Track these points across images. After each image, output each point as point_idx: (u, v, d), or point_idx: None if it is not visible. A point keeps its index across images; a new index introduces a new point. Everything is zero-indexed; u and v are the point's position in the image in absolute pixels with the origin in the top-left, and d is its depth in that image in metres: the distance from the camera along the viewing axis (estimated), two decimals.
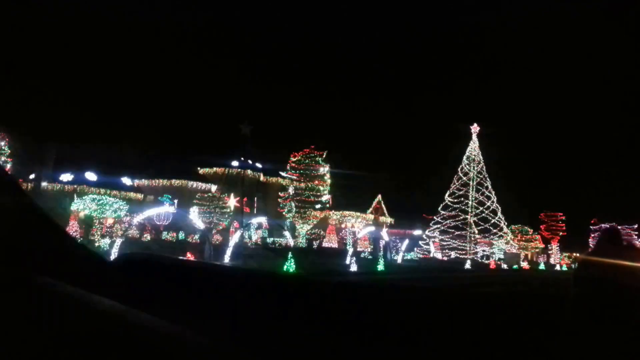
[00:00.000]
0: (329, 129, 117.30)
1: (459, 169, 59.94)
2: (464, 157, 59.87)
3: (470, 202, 57.93)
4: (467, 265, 45.79)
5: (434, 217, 59.93)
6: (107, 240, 32.71)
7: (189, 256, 25.49)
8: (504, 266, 50.47)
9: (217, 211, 43.56)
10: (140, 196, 49.04)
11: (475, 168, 58.93)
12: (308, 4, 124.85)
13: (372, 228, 50.54)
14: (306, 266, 28.46)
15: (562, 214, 74.88)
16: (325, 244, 51.88)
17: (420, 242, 56.17)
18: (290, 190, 50.91)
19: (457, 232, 57.22)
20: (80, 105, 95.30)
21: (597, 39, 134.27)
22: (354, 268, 30.64)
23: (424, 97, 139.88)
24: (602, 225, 65.65)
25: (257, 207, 54.09)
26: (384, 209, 68.80)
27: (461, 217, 57.70)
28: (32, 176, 44.91)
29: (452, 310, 4.63)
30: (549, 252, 72.62)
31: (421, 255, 52.77)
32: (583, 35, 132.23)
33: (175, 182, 51.07)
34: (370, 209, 66.55)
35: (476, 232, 57.53)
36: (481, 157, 59.47)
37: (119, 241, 22.82)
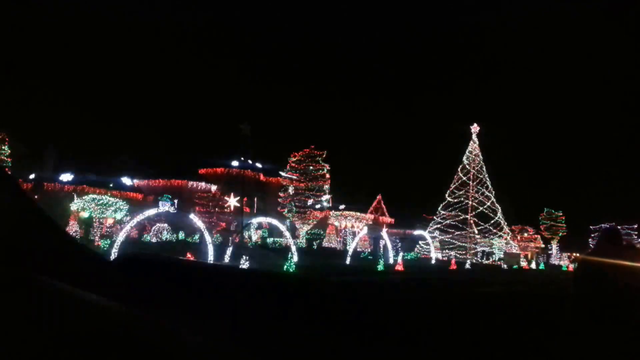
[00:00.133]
0: (329, 129, 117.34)
1: (458, 169, 59.93)
2: (464, 157, 59.87)
3: (470, 202, 57.94)
4: (467, 265, 45.78)
5: (434, 217, 59.93)
6: (107, 240, 32.71)
7: (189, 256, 25.47)
8: (504, 266, 50.46)
9: (217, 211, 43.60)
10: (140, 196, 49.10)
11: (475, 168, 58.93)
12: (308, 4, 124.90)
13: (372, 228, 50.55)
14: (306, 266, 28.46)
15: (562, 214, 74.91)
16: (325, 244, 51.88)
17: (420, 242, 56.15)
18: (290, 190, 50.91)
19: (457, 232, 57.22)
20: (81, 105, 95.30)
21: (597, 39, 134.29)
22: (349, 262, 30.62)
23: (424, 97, 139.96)
24: (602, 225, 65.67)
25: (257, 207, 54.12)
26: (384, 209, 68.81)
27: (461, 217, 57.71)
28: (32, 176, 44.93)
29: (452, 310, 4.63)
30: (549, 252, 72.61)
31: (421, 255, 52.77)
32: (583, 35, 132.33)
33: (175, 182, 51.09)
34: (370, 209, 66.56)
35: (476, 231, 57.53)
36: (481, 157, 59.50)
37: (119, 241, 22.81)
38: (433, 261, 41.27)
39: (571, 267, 57.52)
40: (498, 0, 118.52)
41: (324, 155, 50.75)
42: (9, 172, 26.63)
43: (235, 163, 52.74)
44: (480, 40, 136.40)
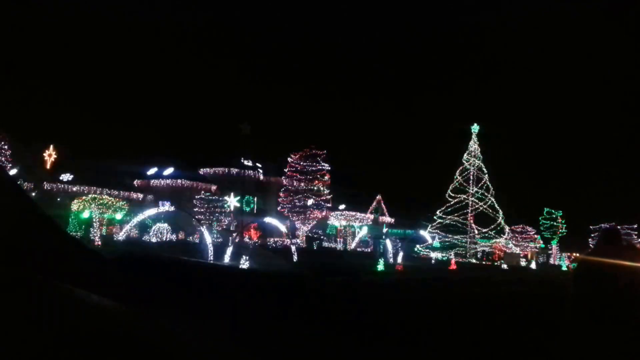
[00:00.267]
0: (329, 128, 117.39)
1: (458, 169, 59.95)
2: (464, 157, 59.89)
3: (469, 202, 57.96)
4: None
5: (434, 217, 59.95)
6: (106, 241, 32.71)
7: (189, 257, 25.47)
8: (504, 266, 50.47)
9: (217, 211, 43.60)
10: (140, 196, 49.12)
11: (475, 168, 58.96)
12: (308, 4, 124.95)
13: (372, 228, 50.53)
14: (306, 266, 28.46)
15: (562, 213, 74.90)
16: (325, 244, 51.89)
17: (419, 242, 56.14)
18: (290, 190, 50.95)
19: (456, 232, 57.22)
20: (81, 105, 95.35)
21: (597, 39, 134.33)
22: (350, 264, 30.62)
23: (424, 97, 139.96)
24: (602, 225, 65.68)
25: (257, 207, 54.14)
26: (384, 209, 68.83)
27: (461, 217, 57.73)
28: (32, 176, 44.96)
29: (452, 310, 4.63)
30: (549, 252, 72.61)
31: (421, 255, 52.76)
32: (583, 35, 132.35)
33: (175, 182, 51.11)
34: (370, 209, 66.58)
35: (476, 231, 57.53)
36: (481, 157, 59.52)
37: (119, 241, 22.80)
38: (433, 261, 41.31)
39: (571, 267, 57.57)
40: (498, 0, 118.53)
41: (324, 155, 50.77)
42: (9, 172, 26.64)
43: (235, 163, 52.74)
44: (480, 40, 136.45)
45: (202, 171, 55.00)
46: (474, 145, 59.73)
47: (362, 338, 3.76)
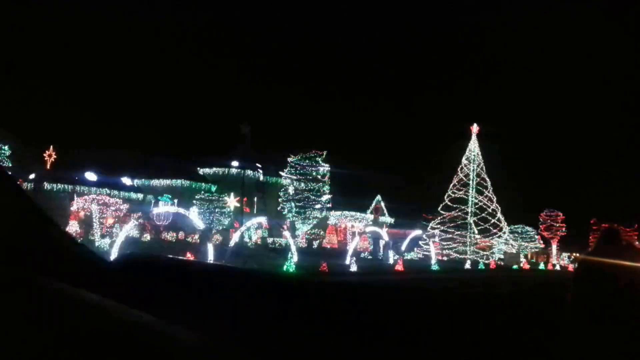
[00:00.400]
0: (329, 128, 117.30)
1: (458, 169, 59.93)
2: (464, 157, 59.87)
3: (469, 202, 57.94)
4: (467, 266, 45.78)
5: (434, 217, 59.94)
6: (107, 240, 32.71)
7: (189, 256, 25.49)
8: (504, 267, 50.47)
9: (217, 211, 43.60)
10: (140, 196, 49.12)
11: (475, 168, 58.94)
12: (308, 4, 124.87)
13: (372, 228, 50.53)
14: (306, 266, 28.47)
15: (562, 214, 74.93)
16: (325, 244, 51.87)
17: (420, 242, 56.10)
18: (290, 190, 50.91)
19: (457, 232, 57.22)
20: (80, 105, 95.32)
21: (597, 39, 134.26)
22: (354, 268, 30.64)
23: (424, 97, 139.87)
24: (602, 225, 65.63)
25: (257, 207, 54.12)
26: (384, 209, 68.81)
27: (461, 217, 57.72)
28: (32, 176, 44.95)
29: (452, 310, 4.64)
30: (549, 252, 72.63)
31: (421, 255, 52.73)
32: (583, 35, 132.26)
33: (175, 182, 51.09)
34: (370, 209, 66.55)
35: (476, 232, 57.53)
36: (481, 157, 59.49)
37: (119, 241, 22.82)
38: (433, 261, 41.28)
39: (571, 266, 57.57)
40: (498, 0, 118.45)
41: (324, 155, 50.77)
42: (9, 172, 26.64)
43: (235, 163, 52.72)
44: (480, 40, 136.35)
45: (202, 171, 54.97)
46: (473, 145, 59.73)
47: (363, 338, 3.76)
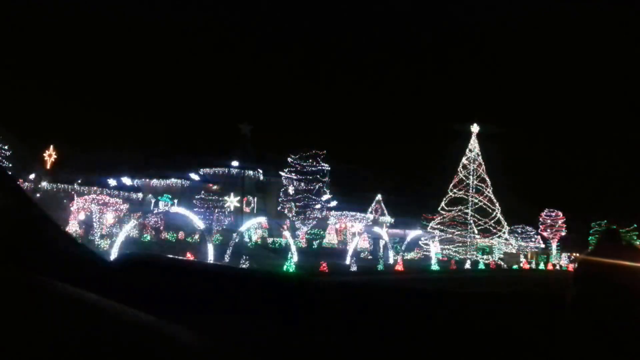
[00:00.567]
0: (329, 128, 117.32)
1: (458, 169, 59.94)
2: (464, 157, 59.87)
3: (469, 202, 57.93)
4: (467, 265, 45.78)
5: (434, 217, 59.94)
6: (107, 240, 32.71)
7: (189, 256, 25.49)
8: (504, 266, 50.47)
9: (217, 211, 43.61)
10: (140, 196, 49.13)
11: (475, 168, 58.94)
12: (308, 4, 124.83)
13: (372, 228, 50.53)
14: (306, 266, 28.47)
15: (562, 214, 74.92)
16: (325, 244, 51.87)
17: (420, 242, 56.12)
18: (290, 190, 50.92)
19: (457, 232, 57.21)
20: (80, 106, 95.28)
21: (597, 39, 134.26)
22: (354, 268, 30.65)
23: (424, 96, 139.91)
24: (603, 225, 65.66)
25: (257, 207, 54.12)
26: (384, 209, 68.81)
27: (461, 217, 57.71)
28: (32, 176, 44.96)
29: (452, 310, 4.63)
30: (549, 252, 72.64)
31: (421, 255, 52.72)
32: (583, 35, 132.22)
33: (175, 182, 51.09)
34: (370, 209, 66.56)
35: (476, 231, 57.51)
36: (481, 157, 59.50)
37: (119, 241, 22.83)
38: (433, 261, 41.34)
39: (571, 266, 57.57)
40: (498, 0, 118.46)
41: (324, 156, 50.80)
42: (9, 172, 26.65)
43: (235, 163, 52.72)
44: (480, 40, 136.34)
45: (202, 171, 55.00)
46: (473, 145, 59.72)
47: (363, 339, 3.77)
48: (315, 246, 48.03)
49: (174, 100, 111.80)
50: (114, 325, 1.62)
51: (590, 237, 70.84)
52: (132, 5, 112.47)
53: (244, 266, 23.18)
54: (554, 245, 73.93)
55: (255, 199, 54.28)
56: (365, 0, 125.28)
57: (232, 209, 46.42)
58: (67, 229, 33.66)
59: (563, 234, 74.71)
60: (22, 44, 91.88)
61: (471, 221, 56.93)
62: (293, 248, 31.16)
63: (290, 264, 26.23)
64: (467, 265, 45.65)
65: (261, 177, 54.98)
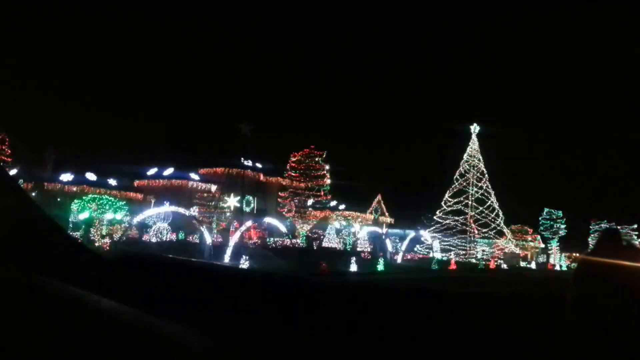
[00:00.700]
0: (329, 129, 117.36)
1: (458, 169, 59.94)
2: (464, 157, 59.86)
3: (469, 202, 57.91)
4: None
5: (434, 217, 59.94)
6: (107, 240, 32.68)
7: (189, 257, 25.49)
8: (504, 266, 50.45)
9: (217, 211, 43.60)
10: (140, 196, 49.12)
11: (475, 167, 58.92)
12: (308, 4, 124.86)
13: (372, 228, 50.52)
14: (306, 266, 28.46)
15: (562, 214, 74.92)
16: (325, 244, 51.83)
17: (419, 242, 56.15)
18: (290, 190, 50.93)
19: (457, 232, 57.20)
20: (81, 105, 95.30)
21: (597, 39, 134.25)
22: (354, 268, 30.65)
23: (424, 96, 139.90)
24: (602, 225, 65.68)
25: (257, 207, 54.11)
26: (384, 209, 68.79)
27: (461, 217, 57.70)
28: (32, 176, 44.94)
29: (452, 310, 4.63)
30: (549, 252, 72.63)
31: (421, 255, 52.74)
32: (583, 35, 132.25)
33: (175, 182, 51.09)
34: (370, 209, 66.54)
35: (476, 232, 57.50)
36: (481, 157, 59.49)
37: (119, 241, 22.81)
38: (433, 261, 41.40)
39: (571, 267, 57.56)
40: (498, 0, 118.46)
41: (324, 155, 50.79)
42: (9, 172, 26.65)
43: (235, 163, 52.70)
44: (480, 40, 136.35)
45: (202, 171, 54.98)
46: (473, 144, 59.70)
47: (362, 337, 3.76)
48: (315, 246, 48.00)
49: (174, 100, 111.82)
50: (113, 325, 1.61)
51: (590, 237, 70.87)
52: (132, 5, 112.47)
53: (243, 266, 23.18)
54: (554, 245, 73.90)
55: (255, 199, 54.27)
56: (365, 0, 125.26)
57: (232, 209, 46.40)
58: (67, 229, 33.65)
59: (563, 234, 74.71)
60: (22, 44, 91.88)
61: (471, 221, 56.89)
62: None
63: (290, 264, 26.21)
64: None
65: (261, 177, 54.95)
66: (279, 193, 52.40)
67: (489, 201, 58.21)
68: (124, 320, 1.70)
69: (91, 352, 1.45)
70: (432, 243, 51.20)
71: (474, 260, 52.96)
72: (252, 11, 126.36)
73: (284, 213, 50.09)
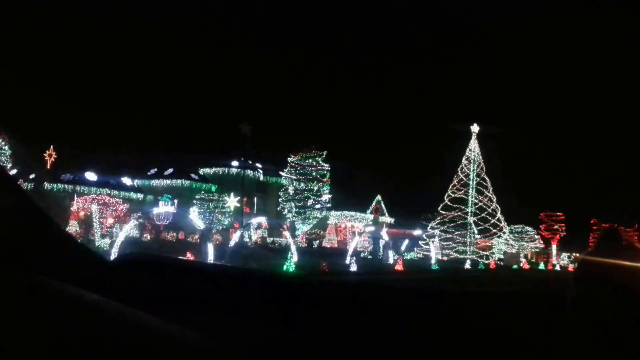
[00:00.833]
0: (329, 129, 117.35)
1: (458, 169, 59.91)
2: (464, 157, 59.84)
3: (469, 202, 57.92)
4: (467, 266, 45.79)
5: (434, 217, 59.93)
6: (107, 240, 32.71)
7: (189, 256, 25.47)
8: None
9: (217, 211, 43.62)
10: (140, 196, 49.14)
11: (475, 168, 58.92)
12: (308, 4, 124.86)
13: (372, 228, 50.53)
14: (306, 266, 28.46)
15: (562, 214, 74.93)
16: (325, 244, 51.89)
17: (420, 242, 56.13)
18: (290, 190, 50.94)
19: (456, 232, 57.18)
20: (81, 105, 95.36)
21: (597, 39, 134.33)
22: (354, 268, 30.64)
23: (424, 96, 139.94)
24: (602, 225, 65.60)
25: (257, 207, 54.13)
26: (384, 209, 68.79)
27: (461, 217, 57.69)
28: (32, 176, 44.96)
29: (452, 310, 4.64)
30: (549, 252, 72.63)
31: (421, 255, 52.71)
32: (583, 35, 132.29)
33: (175, 182, 51.10)
34: (370, 209, 66.54)
35: (476, 232, 57.49)
36: (481, 157, 59.47)
37: (119, 241, 22.81)
38: (433, 261, 41.38)
39: (571, 266, 57.56)
40: (498, 0, 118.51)
41: (324, 155, 50.82)
42: (9, 172, 26.64)
43: (235, 163, 52.70)
44: (480, 40, 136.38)
45: (202, 171, 54.99)
46: (473, 145, 59.70)
47: (362, 338, 3.77)
48: (315, 246, 48.05)
49: (174, 100, 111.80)
50: (114, 325, 1.62)
51: (591, 237, 70.86)
52: (132, 5, 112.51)
53: (243, 266, 23.18)
54: (554, 245, 73.91)
55: (255, 199, 54.29)
56: (365, 0, 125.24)
57: (232, 209, 46.42)
58: (67, 229, 33.67)
59: (563, 234, 74.72)
60: (22, 44, 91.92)
61: (471, 221, 56.90)
62: (293, 248, 31.14)
63: (290, 264, 26.23)
64: (467, 265, 45.65)
65: (261, 177, 54.96)
66: (279, 193, 52.43)
67: (489, 201, 58.19)
68: (124, 320, 1.70)
69: (91, 352, 1.45)
70: (431, 244, 51.13)
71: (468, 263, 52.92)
72: (251, 11, 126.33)
73: (283, 213, 50.16)
